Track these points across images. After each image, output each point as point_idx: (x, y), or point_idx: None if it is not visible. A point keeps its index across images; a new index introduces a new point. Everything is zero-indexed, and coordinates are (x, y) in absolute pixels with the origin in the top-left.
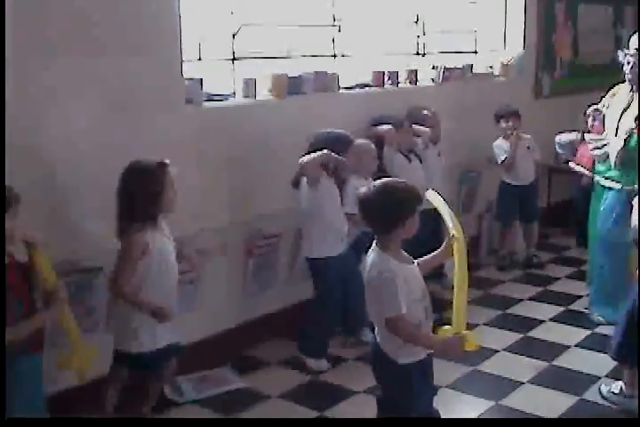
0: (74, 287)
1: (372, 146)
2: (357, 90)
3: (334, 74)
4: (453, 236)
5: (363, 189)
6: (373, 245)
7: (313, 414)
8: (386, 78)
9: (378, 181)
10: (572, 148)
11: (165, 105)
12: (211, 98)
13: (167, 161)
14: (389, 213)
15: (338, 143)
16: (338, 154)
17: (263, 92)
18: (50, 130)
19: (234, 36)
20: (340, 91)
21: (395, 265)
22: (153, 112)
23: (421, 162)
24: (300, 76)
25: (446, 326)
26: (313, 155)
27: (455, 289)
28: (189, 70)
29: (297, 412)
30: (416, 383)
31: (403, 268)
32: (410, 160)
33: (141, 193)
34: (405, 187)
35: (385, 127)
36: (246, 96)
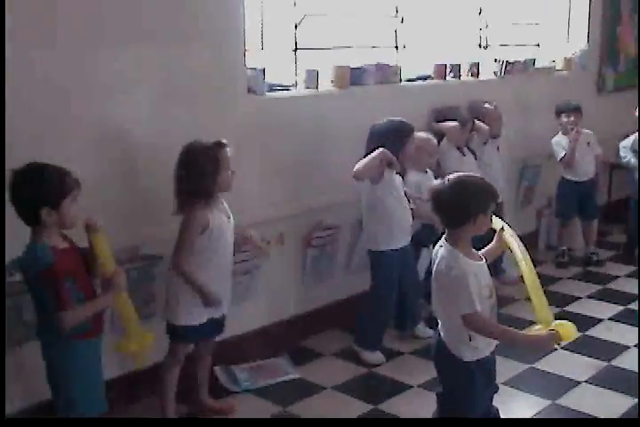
0: (134, 275)
1: (433, 140)
2: (419, 82)
3: (396, 66)
4: (502, 229)
5: (437, 182)
6: (442, 240)
7: (367, 407)
8: (447, 71)
9: (454, 175)
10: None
11: (228, 94)
12: (273, 88)
13: (224, 141)
14: (461, 207)
15: (398, 132)
16: (399, 142)
17: (325, 84)
18: (115, 118)
19: (296, 27)
20: (402, 83)
21: (465, 261)
22: (215, 101)
23: (476, 158)
24: (361, 67)
25: (536, 327)
26: (365, 160)
27: (529, 287)
28: (252, 60)
29: (351, 404)
30: (478, 382)
31: (472, 264)
32: (464, 154)
33: (199, 171)
34: (481, 183)
35: (451, 124)
36: (308, 87)
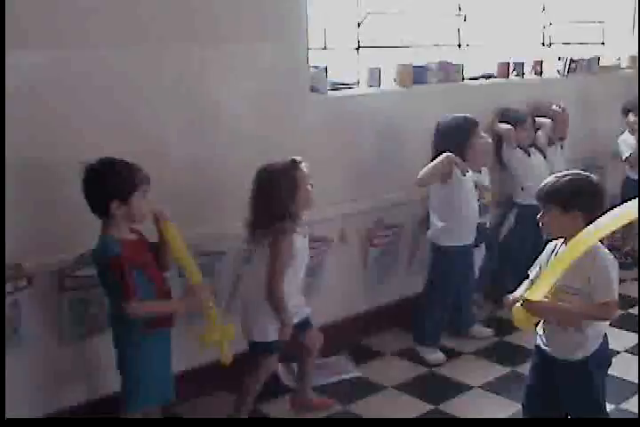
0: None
1: (489, 141)
2: (482, 81)
3: (459, 64)
4: None
5: (551, 178)
6: None
7: (427, 407)
8: (511, 69)
9: (569, 171)
10: None
11: (290, 93)
12: (335, 87)
13: (298, 158)
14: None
15: (463, 126)
16: (465, 137)
17: (387, 82)
18: (178, 118)
19: (359, 25)
20: (464, 81)
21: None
22: (278, 100)
23: (545, 157)
24: (424, 65)
25: None
26: (429, 167)
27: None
28: (315, 59)
29: (411, 404)
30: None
31: None
32: (529, 154)
33: (280, 194)
34: (596, 183)
35: (504, 127)
36: (371, 86)
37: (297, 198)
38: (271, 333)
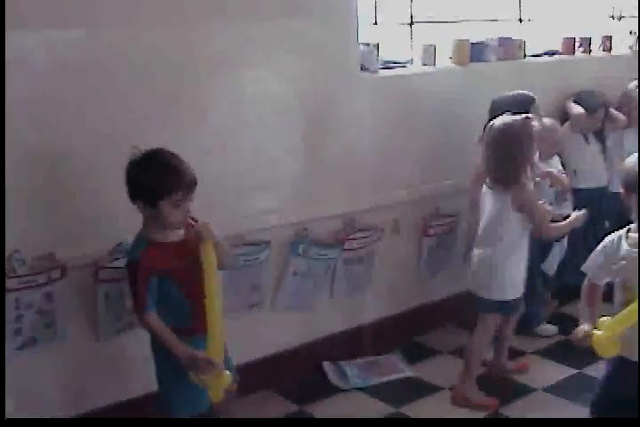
0: (240, 261)
1: (555, 128)
2: (545, 58)
3: (520, 40)
4: None
5: (630, 160)
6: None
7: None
8: (577, 45)
9: None
10: None
11: (339, 72)
12: (387, 65)
13: (531, 115)
14: None
15: (520, 104)
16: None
17: (443, 60)
18: (225, 94)
19: None
20: (526, 59)
21: None
22: (325, 79)
23: (605, 146)
24: (483, 42)
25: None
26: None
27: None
28: (364, 35)
29: (469, 408)
30: None
31: None
32: (588, 142)
33: (521, 148)
34: None
35: (578, 110)
36: (425, 63)
37: (525, 156)
38: (509, 291)
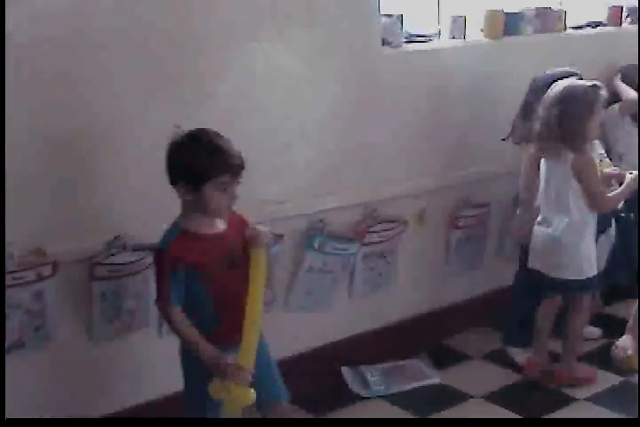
0: None
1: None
2: (588, 30)
3: (560, 10)
4: None
5: None
6: None
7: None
8: (624, 15)
9: None
10: None
11: (358, 46)
12: (412, 39)
13: (600, 84)
14: None
15: None
16: None
17: (474, 32)
18: (232, 73)
19: None
20: (567, 31)
21: None
22: (343, 54)
23: None
24: (518, 12)
25: None
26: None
27: None
28: (387, 5)
29: (503, 417)
30: None
31: None
32: (638, 125)
33: (574, 113)
34: None
35: (631, 93)
36: (453, 37)
37: (588, 123)
38: (587, 269)
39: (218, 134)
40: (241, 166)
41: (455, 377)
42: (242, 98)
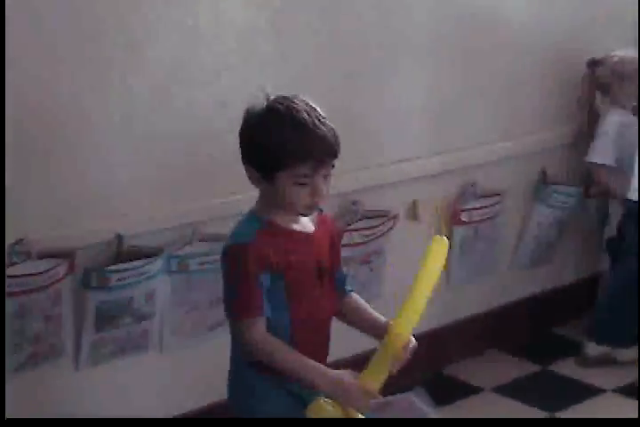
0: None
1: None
2: None
3: None
4: None
5: None
6: None
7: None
8: None
9: None
10: None
11: None
12: None
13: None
14: None
15: None
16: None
17: None
18: (166, 25)
19: None
20: None
21: None
22: None
23: None
24: None
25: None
26: None
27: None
28: None
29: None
30: None
31: None
32: None
33: None
34: None
35: None
36: None
37: None
38: None
39: (311, 106)
40: (332, 153)
41: (462, 415)
42: (181, 61)
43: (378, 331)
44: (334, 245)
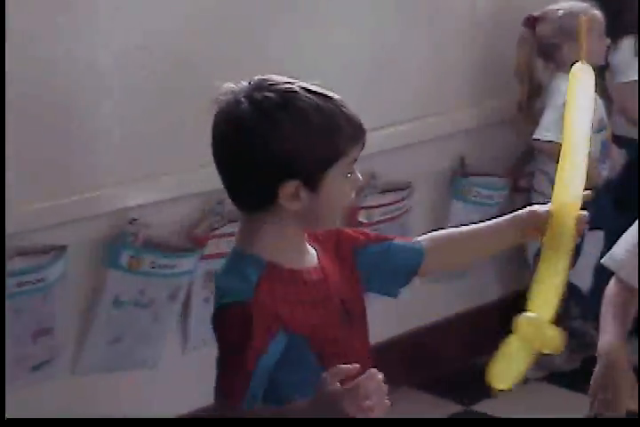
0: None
1: None
2: None
3: None
4: None
5: None
6: None
7: None
8: None
9: None
10: None
11: None
12: None
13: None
14: None
15: None
16: None
17: None
18: None
19: None
20: None
21: None
22: None
23: None
24: None
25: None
26: None
27: None
28: None
29: None
30: None
31: None
32: None
33: None
34: None
35: None
36: None
37: None
38: None
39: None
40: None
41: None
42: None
43: (524, 222)
44: (346, 259)
